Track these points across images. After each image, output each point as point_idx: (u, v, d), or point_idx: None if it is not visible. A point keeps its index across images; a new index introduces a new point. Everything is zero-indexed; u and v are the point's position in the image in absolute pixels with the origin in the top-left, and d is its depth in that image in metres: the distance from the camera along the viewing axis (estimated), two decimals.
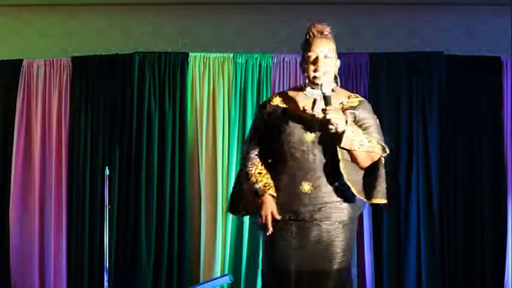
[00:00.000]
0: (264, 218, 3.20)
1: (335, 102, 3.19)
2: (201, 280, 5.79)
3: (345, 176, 3.16)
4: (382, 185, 3.20)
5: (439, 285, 5.75)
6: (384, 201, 3.19)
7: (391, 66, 5.92)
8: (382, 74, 5.92)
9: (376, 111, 5.73)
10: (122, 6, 6.26)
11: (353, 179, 3.19)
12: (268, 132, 3.33)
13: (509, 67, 5.91)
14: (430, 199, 5.79)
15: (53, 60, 6.05)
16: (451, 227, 5.83)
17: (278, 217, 3.20)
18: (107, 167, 5.41)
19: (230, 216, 5.83)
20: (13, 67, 6.05)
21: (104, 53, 6.13)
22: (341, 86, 3.36)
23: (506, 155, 5.86)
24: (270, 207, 3.21)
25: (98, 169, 5.88)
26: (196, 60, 5.98)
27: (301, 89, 3.36)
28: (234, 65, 5.97)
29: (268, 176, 3.28)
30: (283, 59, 5.93)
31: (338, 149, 3.14)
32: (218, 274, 5.76)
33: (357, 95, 3.36)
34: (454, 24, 6.19)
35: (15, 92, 6.01)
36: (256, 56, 5.97)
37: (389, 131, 5.81)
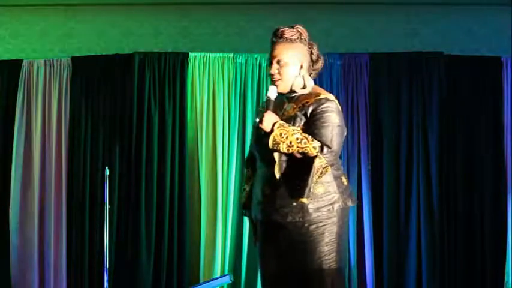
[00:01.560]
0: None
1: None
2: (201, 280, 5.79)
3: (277, 176, 3.19)
4: (306, 185, 3.15)
5: (439, 285, 5.75)
6: (304, 200, 3.15)
7: (391, 66, 5.92)
8: (382, 74, 5.92)
9: (376, 111, 5.87)
10: (122, 6, 6.26)
11: (287, 179, 3.21)
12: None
13: (509, 67, 5.91)
14: (430, 199, 5.79)
15: (53, 60, 6.05)
16: (451, 227, 5.83)
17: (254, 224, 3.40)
18: (107, 167, 5.41)
19: (230, 216, 5.84)
20: (13, 67, 6.05)
21: (104, 53, 6.13)
22: (337, 87, 3.39)
23: (506, 155, 5.86)
24: (250, 219, 3.44)
25: (98, 169, 5.87)
26: (196, 60, 5.98)
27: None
28: (234, 65, 5.97)
29: (251, 183, 3.42)
30: None
31: (273, 151, 3.19)
32: (218, 274, 5.76)
33: (323, 94, 3.27)
34: (454, 24, 6.19)
35: (15, 92, 6.01)
36: (256, 56, 5.97)
37: (389, 131, 5.86)
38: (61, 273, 5.88)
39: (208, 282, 5.36)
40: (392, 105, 5.89)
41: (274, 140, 3.13)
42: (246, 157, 3.57)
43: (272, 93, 3.23)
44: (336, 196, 3.23)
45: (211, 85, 5.97)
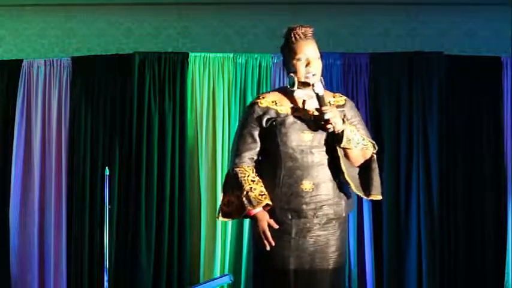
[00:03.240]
0: (262, 233, 3.22)
1: (326, 101, 3.27)
2: (201, 280, 5.79)
3: (345, 173, 3.23)
4: (377, 181, 3.30)
5: (439, 285, 5.75)
6: (380, 197, 3.30)
7: (391, 66, 5.92)
8: (382, 74, 5.92)
9: (376, 111, 5.87)
10: (122, 6, 6.26)
11: (352, 175, 3.28)
12: (262, 134, 3.33)
13: (509, 67, 5.90)
14: (430, 199, 5.79)
15: (53, 60, 6.05)
16: (451, 227, 5.83)
17: (276, 226, 3.23)
18: (107, 167, 5.41)
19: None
20: (13, 67, 6.04)
21: (104, 53, 6.13)
22: (337, 87, 3.42)
23: (506, 154, 5.86)
24: (265, 221, 3.23)
25: (98, 169, 5.87)
26: (196, 60, 5.98)
27: (285, 89, 3.39)
28: (234, 65, 5.97)
29: (262, 183, 3.27)
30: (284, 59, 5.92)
31: (338, 148, 3.21)
32: (218, 274, 5.76)
33: (341, 94, 3.44)
34: (454, 24, 6.19)
35: (15, 92, 6.01)
36: (256, 56, 5.97)
37: (389, 131, 5.86)
38: (61, 273, 5.88)
39: (208, 282, 5.36)
40: (392, 105, 5.89)
41: (347, 136, 3.20)
42: (240, 157, 3.34)
43: (320, 89, 3.24)
44: (353, 197, 3.42)
45: (211, 85, 5.97)
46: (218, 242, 5.84)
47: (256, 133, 3.33)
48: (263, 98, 3.39)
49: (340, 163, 3.23)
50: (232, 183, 3.32)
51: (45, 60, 6.05)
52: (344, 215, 3.33)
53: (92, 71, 6.00)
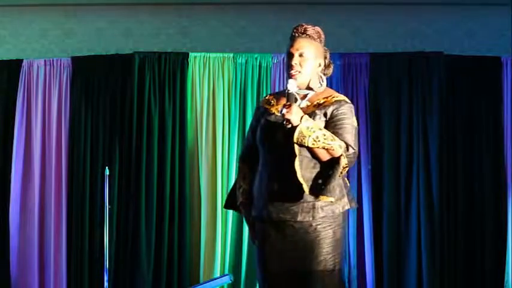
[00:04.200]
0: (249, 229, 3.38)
1: (312, 100, 3.24)
2: (201, 280, 5.79)
3: (298, 173, 3.11)
4: (331, 183, 3.12)
5: (439, 284, 5.75)
6: (331, 198, 3.13)
7: (391, 66, 5.92)
8: (382, 74, 5.92)
9: (376, 111, 5.87)
10: (122, 6, 6.26)
11: (307, 176, 3.15)
12: (254, 133, 3.38)
13: (509, 67, 5.90)
14: (430, 199, 5.79)
15: (53, 60, 6.05)
16: (451, 227, 5.83)
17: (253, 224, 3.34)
18: (107, 167, 5.41)
19: (230, 216, 5.84)
20: (13, 67, 6.05)
21: (104, 53, 6.13)
22: (337, 87, 3.38)
23: (506, 155, 5.86)
24: (247, 218, 3.37)
25: (98, 169, 5.87)
26: (196, 60, 5.98)
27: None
28: (234, 65, 5.97)
29: (248, 181, 3.36)
30: (283, 59, 5.90)
31: (295, 145, 3.11)
32: (218, 274, 5.76)
33: (340, 96, 3.31)
34: (454, 24, 6.19)
35: (15, 92, 6.01)
36: (256, 56, 5.97)
37: (389, 131, 5.86)
38: (61, 273, 5.88)
39: (208, 282, 5.36)
40: (392, 105, 5.89)
41: (301, 132, 3.07)
42: (241, 154, 3.49)
43: (292, 86, 3.18)
44: (343, 197, 3.23)
45: (211, 85, 5.97)
46: (218, 242, 5.84)
47: (252, 133, 3.38)
48: (265, 97, 3.45)
49: (294, 162, 3.12)
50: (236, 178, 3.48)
51: (45, 60, 6.05)
52: (322, 215, 3.17)
53: (92, 71, 6.00)
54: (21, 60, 6.07)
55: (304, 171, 3.14)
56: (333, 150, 3.11)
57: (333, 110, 3.22)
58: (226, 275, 5.41)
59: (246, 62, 5.97)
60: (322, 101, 3.26)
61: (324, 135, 3.10)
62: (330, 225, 3.20)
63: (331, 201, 3.15)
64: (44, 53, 6.25)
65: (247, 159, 3.42)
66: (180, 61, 5.96)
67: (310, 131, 3.08)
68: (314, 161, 3.17)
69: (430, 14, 6.19)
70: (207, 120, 5.94)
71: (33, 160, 5.96)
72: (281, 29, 6.10)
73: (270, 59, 5.95)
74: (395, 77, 5.91)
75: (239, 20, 6.26)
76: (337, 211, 3.21)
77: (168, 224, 5.85)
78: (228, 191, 4.00)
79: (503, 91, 5.90)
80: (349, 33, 6.17)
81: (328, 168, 3.14)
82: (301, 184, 3.12)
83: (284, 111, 3.08)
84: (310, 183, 3.14)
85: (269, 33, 6.20)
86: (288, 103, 3.11)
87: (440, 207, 5.79)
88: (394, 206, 5.80)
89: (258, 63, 5.96)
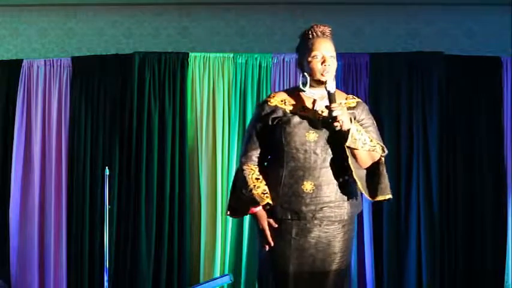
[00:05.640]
0: (262, 231, 3.28)
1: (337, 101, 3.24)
2: (201, 280, 5.79)
3: (354, 171, 3.19)
4: (385, 182, 3.26)
5: (439, 284, 5.75)
6: (389, 196, 3.26)
7: (391, 66, 5.92)
8: (382, 74, 5.92)
9: (376, 111, 5.88)
10: (122, 6, 6.26)
11: (359, 175, 3.24)
12: (268, 133, 3.34)
13: (509, 67, 5.90)
14: (430, 199, 5.79)
15: (53, 60, 6.05)
16: (451, 227, 5.83)
17: (275, 225, 3.26)
18: (107, 167, 5.41)
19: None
20: (13, 67, 6.05)
21: (104, 53, 6.13)
22: (338, 88, 3.39)
23: (506, 155, 5.86)
24: (265, 220, 3.27)
25: (98, 169, 5.87)
26: (196, 60, 5.98)
27: (297, 89, 3.38)
28: (234, 65, 5.97)
29: (265, 182, 3.30)
30: (283, 59, 5.93)
31: (345, 147, 3.18)
32: (218, 274, 5.76)
33: (354, 97, 3.43)
34: (454, 24, 6.19)
35: (15, 92, 6.01)
36: (256, 56, 5.97)
37: (389, 131, 5.85)
38: (61, 273, 5.88)
39: (208, 282, 5.36)
40: (392, 105, 5.89)
41: (353, 136, 3.16)
42: (244, 155, 3.41)
43: (332, 86, 3.22)
44: (360, 198, 3.37)
45: (211, 85, 5.97)
46: (218, 242, 5.84)
47: (262, 132, 3.36)
48: (273, 96, 3.41)
49: (348, 162, 3.19)
50: (240, 181, 3.36)
51: (45, 60, 6.05)
52: (346, 217, 3.28)
53: (92, 71, 6.00)
54: (21, 60, 6.07)
55: (356, 170, 3.22)
56: (375, 152, 3.24)
57: (359, 112, 3.33)
58: (226, 275, 5.41)
59: (246, 62, 5.97)
60: (344, 102, 3.33)
61: (369, 137, 3.23)
62: (351, 225, 3.34)
63: (389, 197, 3.26)
64: (44, 53, 6.25)
65: (253, 160, 3.38)
66: (180, 61, 5.96)
67: (359, 133, 3.19)
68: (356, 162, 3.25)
69: (430, 14, 6.19)
70: (207, 120, 5.94)
71: (33, 160, 5.96)
72: (281, 29, 6.12)
73: (270, 59, 5.95)
74: (395, 77, 5.91)
75: (239, 20, 6.26)
76: (357, 212, 3.36)
77: (168, 224, 5.85)
78: (228, 194, 3.94)
79: (503, 91, 5.90)
80: (349, 33, 6.17)
81: (372, 169, 3.28)
82: (348, 182, 3.24)
83: (336, 112, 3.12)
84: (363, 182, 3.25)
85: (269, 33, 6.20)
86: (336, 104, 3.16)
87: (440, 207, 5.79)
88: (394, 205, 5.80)
89: (258, 63, 5.96)
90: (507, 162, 5.86)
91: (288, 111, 3.31)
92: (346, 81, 5.88)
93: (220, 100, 5.94)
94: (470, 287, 5.80)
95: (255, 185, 3.29)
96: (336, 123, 3.13)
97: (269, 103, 3.38)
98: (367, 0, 6.14)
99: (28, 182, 5.98)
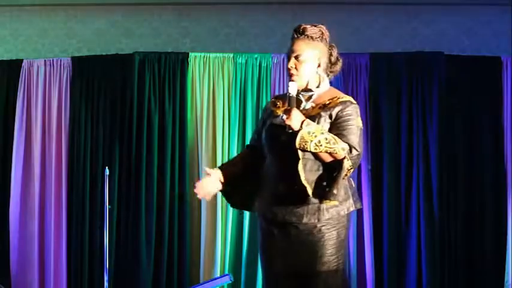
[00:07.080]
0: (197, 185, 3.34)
1: (313, 102, 3.23)
2: (201, 280, 5.79)
3: (302, 176, 3.12)
4: (335, 186, 3.10)
5: (439, 284, 5.75)
6: (335, 202, 3.13)
7: (391, 66, 5.92)
8: (382, 74, 5.92)
9: (376, 111, 5.87)
10: (122, 6, 6.26)
11: (311, 178, 3.15)
12: (261, 133, 3.38)
13: (509, 67, 5.90)
14: (430, 199, 5.79)
15: (53, 60, 6.05)
16: (451, 227, 5.83)
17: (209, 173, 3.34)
18: (107, 167, 5.41)
19: (230, 216, 5.84)
20: (13, 67, 6.05)
21: (104, 53, 6.13)
22: (338, 88, 3.37)
23: (506, 155, 5.86)
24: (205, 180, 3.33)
25: (98, 169, 5.88)
26: (196, 60, 5.98)
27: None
28: (234, 65, 5.97)
29: (239, 160, 3.45)
30: (283, 59, 5.92)
31: (298, 149, 3.11)
32: (218, 274, 5.76)
33: (345, 97, 3.28)
34: (454, 24, 6.18)
35: (15, 92, 6.01)
36: (256, 56, 5.97)
37: (389, 131, 5.86)
38: (61, 273, 5.88)
39: (208, 282, 5.36)
40: (392, 105, 5.89)
41: (303, 138, 3.05)
42: (245, 147, 3.58)
43: (293, 89, 3.16)
44: (348, 198, 3.23)
45: (211, 85, 5.97)
46: (218, 242, 5.84)
47: (260, 132, 3.39)
48: (272, 98, 3.46)
49: (297, 166, 3.12)
50: None
51: (45, 60, 6.05)
52: (327, 217, 3.17)
53: (92, 71, 6.00)
54: (21, 60, 6.07)
55: (308, 173, 3.14)
56: (336, 153, 3.10)
57: (338, 111, 3.20)
58: (226, 275, 5.41)
59: (246, 62, 5.97)
60: (327, 102, 3.23)
61: (326, 139, 3.07)
62: (334, 227, 3.20)
63: (336, 204, 3.15)
64: (44, 53, 6.25)
65: (250, 151, 3.46)
66: (180, 61, 5.96)
67: (311, 136, 3.06)
68: (318, 163, 3.16)
69: (430, 14, 6.19)
70: (207, 120, 5.94)
71: (33, 160, 5.97)
72: (281, 29, 6.11)
73: (270, 59, 5.95)
74: (395, 77, 5.91)
75: (239, 20, 6.25)
76: (342, 213, 3.21)
77: (168, 224, 5.85)
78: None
79: (503, 91, 5.90)
80: (349, 33, 6.16)
81: (332, 170, 3.12)
82: (305, 187, 3.12)
83: (284, 116, 3.09)
84: (314, 185, 3.13)
85: (269, 33, 6.19)
86: (289, 108, 3.10)
87: (440, 207, 5.79)
88: (394, 206, 5.80)
89: (258, 63, 5.96)
90: (507, 162, 5.86)
91: (275, 114, 3.31)
92: (346, 82, 5.88)
93: (220, 100, 5.94)
94: (471, 286, 5.80)
95: (235, 158, 3.57)
96: (287, 127, 3.08)
97: (267, 105, 3.45)
98: (367, 0, 6.14)
99: (28, 182, 5.99)
